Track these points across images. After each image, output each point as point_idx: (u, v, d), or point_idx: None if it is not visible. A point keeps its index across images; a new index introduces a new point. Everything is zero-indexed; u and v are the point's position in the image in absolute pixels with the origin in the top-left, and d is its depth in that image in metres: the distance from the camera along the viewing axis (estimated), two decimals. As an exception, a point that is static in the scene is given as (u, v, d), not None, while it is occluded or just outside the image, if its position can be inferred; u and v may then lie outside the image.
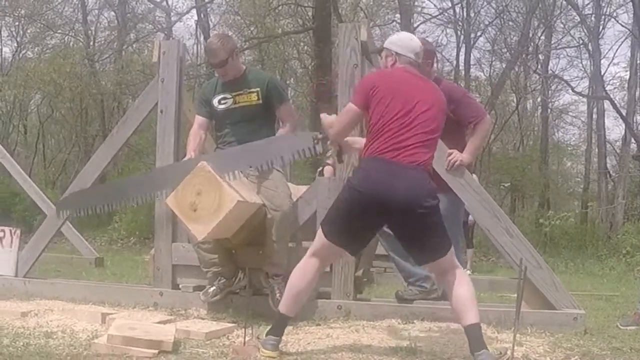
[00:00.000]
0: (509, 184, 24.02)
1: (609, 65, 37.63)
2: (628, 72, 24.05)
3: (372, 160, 4.25)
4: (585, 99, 27.07)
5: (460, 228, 6.23)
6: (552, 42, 25.43)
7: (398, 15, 25.68)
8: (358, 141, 4.87)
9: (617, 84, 27.45)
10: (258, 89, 5.92)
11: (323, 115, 5.03)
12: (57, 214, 6.72)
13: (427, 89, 4.48)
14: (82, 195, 6.61)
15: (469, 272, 12.50)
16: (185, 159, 5.88)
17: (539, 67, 25.11)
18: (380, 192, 4.14)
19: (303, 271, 4.42)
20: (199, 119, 6.11)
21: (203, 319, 5.72)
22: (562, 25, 24.83)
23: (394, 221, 4.33)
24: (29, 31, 26.71)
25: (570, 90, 24.81)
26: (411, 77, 4.48)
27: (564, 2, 22.22)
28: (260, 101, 5.92)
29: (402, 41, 4.65)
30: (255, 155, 5.60)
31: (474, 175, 6.79)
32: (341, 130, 4.64)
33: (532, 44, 24.06)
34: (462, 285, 4.30)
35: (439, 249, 4.31)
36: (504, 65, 25.03)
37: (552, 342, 4.99)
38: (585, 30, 23.27)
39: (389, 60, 4.61)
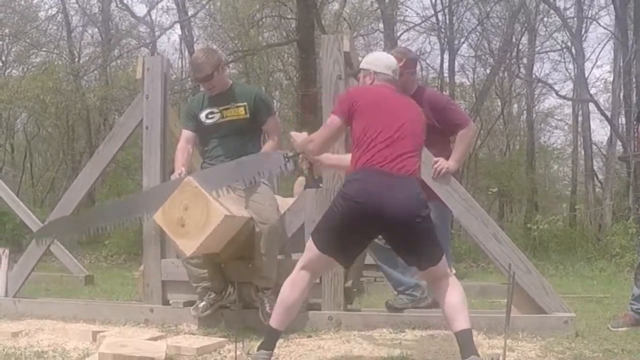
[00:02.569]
0: (496, 189, 24.03)
1: (592, 67, 38.00)
2: (612, 74, 24.17)
3: (366, 171, 4.26)
4: (570, 102, 27.16)
5: (449, 235, 6.25)
6: (535, 46, 25.53)
7: (381, 25, 25.74)
8: (330, 157, 4.94)
9: (601, 86, 27.61)
10: (245, 103, 5.93)
11: (293, 134, 5.05)
12: (36, 243, 6.74)
13: (407, 104, 4.60)
14: (62, 222, 6.64)
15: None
16: (175, 173, 5.87)
17: (523, 71, 25.19)
18: (377, 202, 4.15)
19: (293, 284, 4.41)
20: (185, 133, 6.12)
21: (194, 334, 5.72)
22: (544, 29, 24.95)
23: (390, 231, 4.34)
24: (13, 50, 26.65)
25: (554, 94, 24.89)
26: (391, 92, 4.58)
27: (546, 6, 22.31)
28: (248, 115, 5.94)
29: (378, 60, 4.77)
30: (242, 171, 5.59)
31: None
32: (322, 142, 4.66)
33: (515, 48, 24.15)
34: (454, 292, 4.32)
35: (433, 257, 4.32)
36: (488, 71, 25.11)
37: (544, 346, 5.01)
38: (568, 34, 23.36)
39: (367, 79, 4.70)
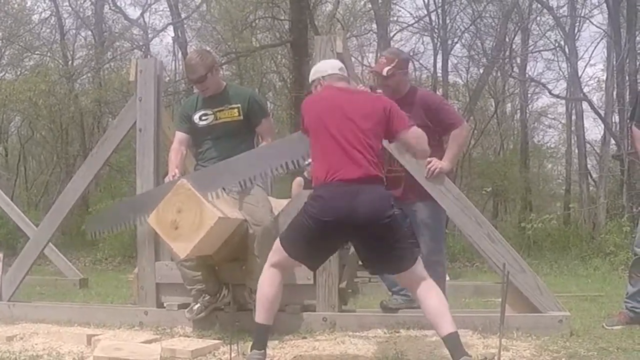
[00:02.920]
0: (490, 189, 24.04)
1: (585, 66, 37.97)
2: (605, 73, 24.20)
3: (325, 187, 4.28)
4: (563, 101, 27.20)
5: (443, 235, 6.25)
6: (529, 45, 25.57)
7: (374, 25, 25.75)
8: None
9: (595, 84, 27.68)
10: (239, 104, 5.94)
11: None
12: (87, 234, 6.68)
13: (358, 100, 4.56)
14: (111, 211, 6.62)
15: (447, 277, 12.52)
16: (169, 175, 5.87)
17: (516, 71, 25.23)
18: (342, 215, 4.18)
19: (270, 280, 4.47)
20: (179, 135, 6.12)
21: (189, 336, 5.70)
22: (537, 29, 24.99)
23: (359, 238, 4.36)
24: (6, 53, 26.60)
25: (548, 93, 24.93)
26: (339, 92, 4.59)
27: (539, 5, 22.34)
28: (242, 117, 5.94)
29: (321, 66, 4.88)
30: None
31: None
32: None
33: (508, 48, 24.17)
34: (432, 296, 4.31)
35: (405, 259, 4.32)
36: (481, 71, 25.13)
37: (539, 346, 5.01)
38: (561, 33, 23.39)
39: (318, 88, 4.75)
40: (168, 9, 26.53)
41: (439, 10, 25.00)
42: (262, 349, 4.37)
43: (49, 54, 26.19)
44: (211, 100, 5.98)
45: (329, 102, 4.49)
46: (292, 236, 4.44)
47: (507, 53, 24.01)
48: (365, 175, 4.25)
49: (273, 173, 5.54)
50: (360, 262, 6.82)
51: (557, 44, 24.37)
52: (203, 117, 5.99)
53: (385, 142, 4.89)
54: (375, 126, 4.43)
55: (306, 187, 9.06)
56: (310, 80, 4.89)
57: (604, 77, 24.38)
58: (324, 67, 4.82)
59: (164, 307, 6.22)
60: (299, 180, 9.68)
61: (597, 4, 23.42)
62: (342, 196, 4.19)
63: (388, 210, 4.23)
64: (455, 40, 26.01)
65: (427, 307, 4.28)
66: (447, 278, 12.31)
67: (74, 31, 27.88)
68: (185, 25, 26.40)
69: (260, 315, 4.44)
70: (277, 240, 4.52)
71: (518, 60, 25.19)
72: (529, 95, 28.04)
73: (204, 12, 26.20)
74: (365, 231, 4.23)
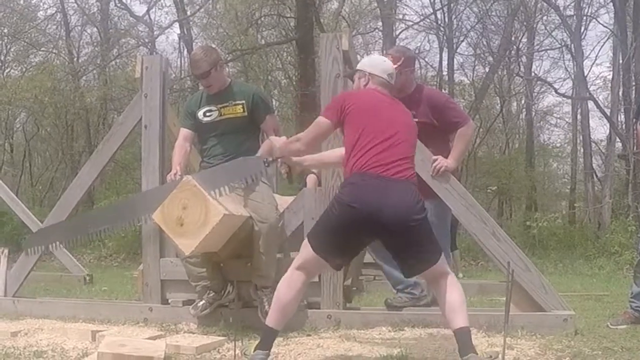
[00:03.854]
0: (495, 187, 24.01)
1: (592, 65, 37.91)
2: (611, 72, 24.15)
3: (361, 175, 4.25)
4: (569, 100, 27.15)
5: (448, 234, 6.25)
6: (535, 44, 25.52)
7: (380, 23, 25.74)
8: (309, 158, 4.94)
9: (601, 84, 27.55)
10: (243, 101, 5.93)
11: (272, 138, 5.11)
12: (25, 252, 6.73)
13: (401, 110, 4.61)
14: (53, 230, 6.65)
15: (460, 275, 12.53)
16: (171, 172, 5.87)
17: (522, 69, 25.19)
18: (373, 207, 4.14)
19: (289, 284, 4.39)
20: (183, 132, 6.12)
21: (193, 333, 5.71)
22: (543, 27, 24.94)
23: (387, 235, 4.32)
24: (12, 50, 26.64)
25: (554, 92, 24.87)
26: (384, 97, 4.59)
27: (545, 4, 22.30)
28: (246, 113, 5.94)
29: (374, 62, 4.82)
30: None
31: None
32: (310, 141, 4.68)
33: (514, 47, 24.13)
34: (454, 291, 4.31)
35: (431, 259, 4.31)
36: (487, 69, 25.11)
37: (543, 345, 5.00)
38: (567, 32, 23.34)
39: (362, 81, 4.72)
40: (174, 6, 26.51)
41: (445, 9, 25.01)
42: (267, 349, 4.33)
43: (54, 51, 26.22)
44: (215, 96, 5.98)
45: (378, 103, 4.50)
46: (318, 228, 4.42)
47: (513, 52, 23.99)
48: (403, 175, 4.27)
49: (261, 176, 5.53)
50: (365, 260, 6.82)
51: (563, 43, 24.33)
52: (207, 114, 5.99)
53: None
54: (413, 137, 4.55)
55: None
56: (357, 68, 4.84)
57: (610, 77, 24.36)
58: (376, 66, 4.75)
59: (169, 304, 6.22)
60: (312, 177, 9.65)
61: (603, 3, 23.42)
62: (374, 189, 4.17)
63: (417, 214, 4.23)
64: (461, 38, 26.08)
65: (447, 302, 4.27)
66: (461, 276, 12.39)
67: (79, 28, 27.93)
68: (191, 23, 26.37)
69: (272, 318, 4.38)
70: (305, 241, 4.47)
71: (524, 59, 25.15)
72: (535, 94, 27.98)
73: (209, 9, 26.19)
74: (390, 230, 4.20)
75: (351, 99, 4.55)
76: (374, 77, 4.66)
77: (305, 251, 4.40)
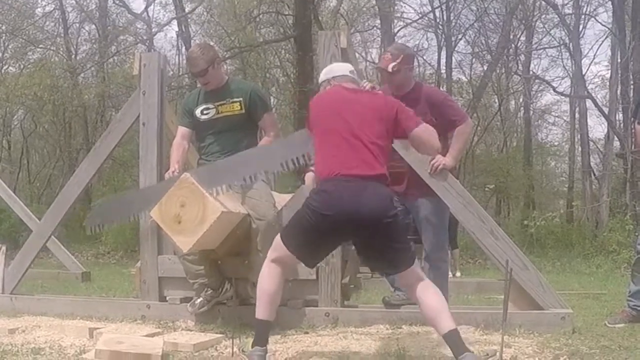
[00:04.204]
0: (493, 185, 24.04)
1: (590, 64, 38.23)
2: (609, 71, 24.16)
3: (330, 181, 4.25)
4: (567, 99, 27.18)
5: (446, 232, 6.24)
6: (533, 42, 25.54)
7: (378, 21, 25.75)
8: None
9: (599, 82, 27.60)
10: (241, 98, 5.93)
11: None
12: (87, 229, 6.66)
13: (365, 100, 4.53)
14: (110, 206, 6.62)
15: (458, 274, 12.55)
16: (169, 170, 5.87)
17: (520, 68, 25.21)
18: (345, 211, 4.14)
19: (270, 275, 4.41)
20: (181, 130, 6.12)
21: (191, 330, 5.70)
22: (542, 26, 24.95)
23: (361, 236, 4.32)
24: (10, 47, 26.61)
25: (552, 90, 24.90)
26: (347, 92, 4.58)
27: (544, 3, 22.31)
28: (243, 111, 5.93)
29: (332, 67, 4.91)
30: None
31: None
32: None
33: (512, 45, 24.14)
34: (430, 295, 4.28)
35: (405, 259, 4.30)
36: (485, 67, 25.11)
37: (541, 343, 5.00)
38: (566, 30, 23.37)
39: (327, 89, 4.72)
40: (172, 3, 26.49)
41: (443, 7, 25.05)
42: (264, 345, 4.34)
43: (52, 48, 26.20)
44: (213, 94, 5.98)
45: (339, 101, 4.47)
46: (292, 231, 4.41)
47: (512, 50, 24.00)
48: (371, 173, 4.23)
49: (284, 168, 5.51)
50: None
51: (561, 42, 24.37)
52: (205, 111, 5.99)
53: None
54: (384, 126, 4.42)
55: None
56: (320, 81, 4.88)
57: (608, 75, 24.38)
58: (335, 69, 4.83)
59: (167, 301, 6.23)
60: (311, 174, 9.67)
61: (601, 1, 23.56)
62: (346, 192, 4.16)
63: (391, 210, 4.22)
64: (460, 36, 26.09)
65: (426, 307, 4.26)
66: (458, 274, 12.42)
67: (77, 25, 27.96)
68: (189, 20, 26.35)
69: (260, 311, 4.39)
70: (278, 236, 4.49)
71: (522, 57, 25.18)
72: (533, 92, 28.01)
73: (208, 7, 26.15)
74: (367, 229, 4.20)
75: (313, 105, 4.57)
76: (335, 78, 4.71)
77: (280, 249, 4.41)
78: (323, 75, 4.85)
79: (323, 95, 4.66)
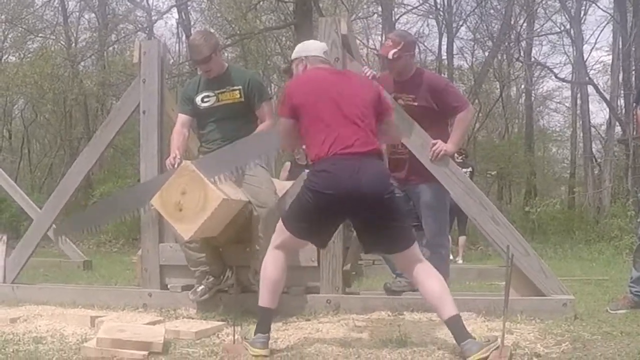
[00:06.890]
0: (495, 172, 24.02)
1: (591, 50, 38.20)
2: (610, 57, 24.13)
3: (328, 160, 4.25)
4: (568, 85, 27.13)
5: (447, 216, 6.22)
6: (534, 28, 25.48)
7: (379, 8, 25.67)
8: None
9: (600, 68, 27.55)
10: (240, 86, 5.92)
11: None
12: (55, 239, 6.69)
13: (346, 80, 4.57)
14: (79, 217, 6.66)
15: (460, 260, 12.56)
16: (170, 157, 5.86)
17: (522, 54, 25.16)
18: (345, 189, 4.16)
19: (274, 262, 4.45)
20: (181, 117, 6.10)
21: (192, 318, 5.71)
22: (543, 12, 24.89)
23: (361, 213, 4.32)
24: (10, 36, 26.57)
25: (553, 77, 24.85)
26: (326, 73, 4.62)
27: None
28: (243, 99, 5.92)
29: (307, 46, 4.91)
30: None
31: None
32: (286, 143, 4.88)
33: (514, 31, 24.09)
34: (432, 279, 4.30)
35: (404, 237, 4.34)
36: (486, 54, 25.06)
37: (543, 329, 4.99)
38: (567, 16, 23.30)
39: (300, 67, 4.78)
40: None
41: (444, -7, 24.94)
42: (266, 332, 4.36)
43: (52, 37, 26.16)
44: (213, 82, 5.96)
45: (324, 84, 4.47)
46: (293, 214, 4.43)
47: (513, 36, 23.94)
48: (366, 149, 4.26)
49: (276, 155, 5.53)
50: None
51: (562, 28, 24.31)
52: (205, 99, 5.97)
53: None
54: (371, 105, 4.46)
55: (292, 171, 9.23)
56: (292, 57, 4.90)
57: (610, 61, 24.34)
58: (310, 48, 4.84)
59: (168, 289, 6.23)
60: (286, 165, 9.87)
61: (603, -13, 23.36)
62: (345, 169, 4.18)
63: (389, 186, 4.27)
64: (461, 23, 26.02)
65: (427, 290, 4.28)
66: (460, 261, 12.44)
67: (77, 13, 27.95)
68: (189, 7, 26.31)
69: (264, 298, 4.42)
70: (280, 222, 4.50)
71: (524, 43, 25.11)
72: (535, 78, 28.00)
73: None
74: (366, 206, 4.21)
75: (293, 90, 4.52)
76: (309, 58, 4.74)
77: (283, 233, 4.45)
78: (296, 53, 4.86)
79: (302, 78, 4.65)
